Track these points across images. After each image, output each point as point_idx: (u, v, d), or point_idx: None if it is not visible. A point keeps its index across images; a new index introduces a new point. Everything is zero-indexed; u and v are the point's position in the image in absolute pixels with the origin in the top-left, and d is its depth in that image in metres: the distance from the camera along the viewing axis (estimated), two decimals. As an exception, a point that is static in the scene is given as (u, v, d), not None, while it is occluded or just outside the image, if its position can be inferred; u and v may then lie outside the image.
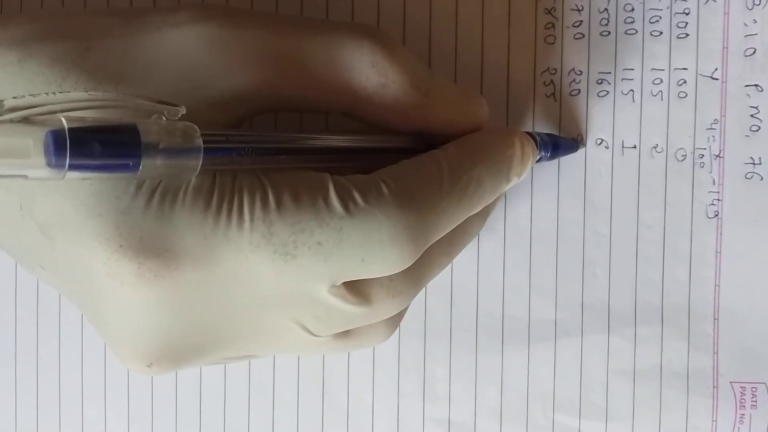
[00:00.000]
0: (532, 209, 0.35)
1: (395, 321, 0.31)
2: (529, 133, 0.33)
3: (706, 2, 0.34)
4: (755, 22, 0.34)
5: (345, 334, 0.30)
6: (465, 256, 0.36)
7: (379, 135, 0.30)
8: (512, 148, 0.31)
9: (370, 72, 0.29)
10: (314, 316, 0.28)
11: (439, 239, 0.29)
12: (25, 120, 0.21)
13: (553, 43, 0.35)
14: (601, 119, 0.35)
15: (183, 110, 0.24)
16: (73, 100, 0.23)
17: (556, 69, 0.35)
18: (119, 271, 0.25)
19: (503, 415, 0.36)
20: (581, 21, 0.35)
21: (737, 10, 0.34)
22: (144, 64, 0.26)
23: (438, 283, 0.36)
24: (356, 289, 0.28)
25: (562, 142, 0.34)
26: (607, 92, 0.35)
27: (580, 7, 0.35)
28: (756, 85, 0.35)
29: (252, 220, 0.26)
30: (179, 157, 0.24)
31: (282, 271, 0.26)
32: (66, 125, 0.21)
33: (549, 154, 0.34)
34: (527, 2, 0.35)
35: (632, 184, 0.35)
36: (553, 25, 0.35)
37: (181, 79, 0.26)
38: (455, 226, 0.29)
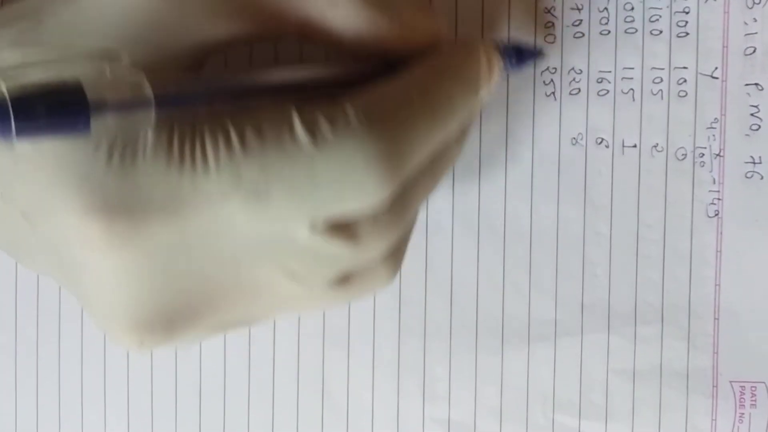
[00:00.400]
0: (532, 209, 0.35)
1: (394, 262, 0.29)
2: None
3: (706, 1, 0.34)
4: (755, 20, 0.34)
5: (342, 282, 0.28)
6: (465, 255, 0.36)
7: (341, 62, 0.29)
8: (477, 62, 0.29)
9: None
10: (301, 263, 0.26)
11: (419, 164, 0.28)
12: None
13: (553, 42, 0.35)
14: (601, 118, 0.35)
15: (126, 59, 0.24)
16: (10, 64, 0.22)
17: (555, 68, 0.35)
18: (89, 236, 0.24)
19: (503, 415, 0.36)
20: (581, 20, 0.35)
21: (737, 9, 0.34)
22: (96, 26, 0.25)
23: (438, 282, 0.36)
24: (339, 227, 0.26)
25: (524, 49, 0.33)
26: (607, 91, 0.35)
27: (580, 6, 0.34)
28: (756, 84, 0.35)
29: (218, 164, 0.24)
30: (130, 111, 0.23)
31: (258, 216, 0.25)
32: (5, 91, 0.21)
33: (514, 64, 0.33)
34: (527, 1, 0.34)
35: (632, 183, 0.35)
36: (553, 24, 0.35)
37: (136, 34, 0.25)
38: (433, 146, 0.28)
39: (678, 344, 0.36)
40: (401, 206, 0.28)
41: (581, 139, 0.35)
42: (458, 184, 0.36)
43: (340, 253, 0.27)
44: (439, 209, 0.36)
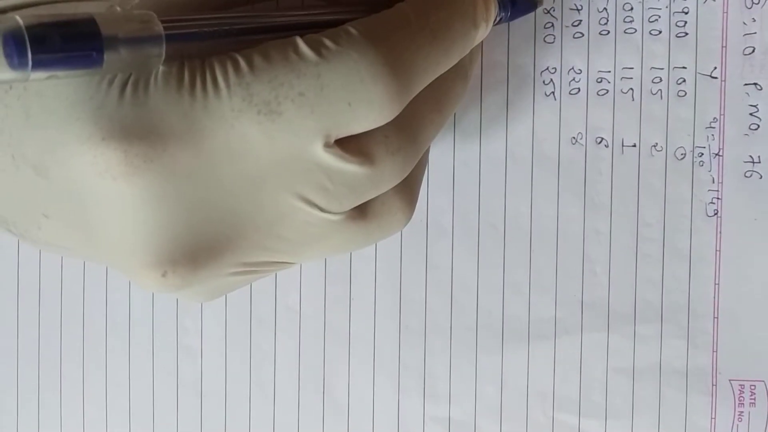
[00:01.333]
0: (532, 207, 0.36)
1: (409, 195, 0.30)
2: None
3: (705, 1, 0.34)
4: (754, 20, 0.34)
5: (360, 214, 0.29)
6: (465, 255, 0.36)
7: (343, 7, 0.30)
8: None
9: None
10: (318, 185, 0.27)
11: (425, 94, 0.28)
12: None
13: (553, 42, 0.35)
14: (600, 118, 0.35)
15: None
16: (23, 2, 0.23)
17: (555, 68, 0.35)
18: (107, 165, 0.24)
19: (503, 414, 0.36)
20: (580, 20, 0.35)
21: (736, 9, 0.34)
22: None
23: (438, 281, 0.36)
24: (352, 146, 0.27)
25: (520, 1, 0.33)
26: (607, 91, 0.35)
27: (579, 7, 0.35)
28: (755, 84, 0.35)
29: (228, 85, 0.25)
30: (142, 46, 0.24)
31: (271, 133, 0.25)
32: (22, 23, 0.21)
33: (508, 14, 0.33)
34: (527, 1, 0.35)
35: (632, 182, 0.35)
36: (553, 25, 0.35)
37: None
38: (435, 71, 0.28)
39: (677, 343, 0.36)
40: (411, 130, 0.28)
41: (581, 138, 0.35)
42: (458, 184, 0.36)
43: (354, 173, 0.27)
44: (439, 209, 0.36)
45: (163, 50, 0.24)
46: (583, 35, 0.35)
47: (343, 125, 0.26)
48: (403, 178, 0.29)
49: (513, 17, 0.33)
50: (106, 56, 0.23)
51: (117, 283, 0.36)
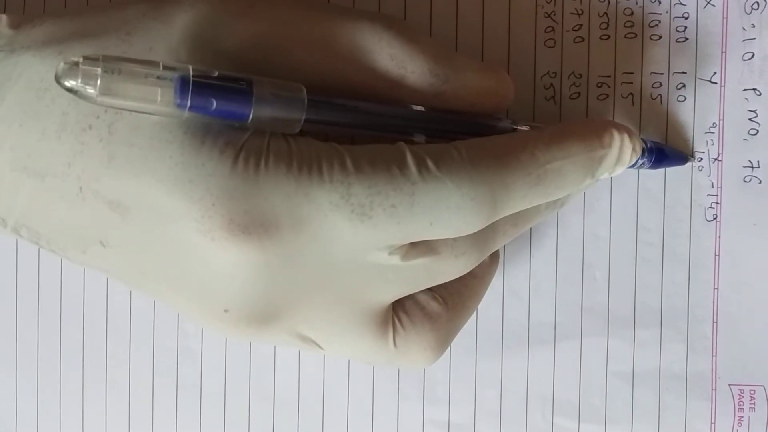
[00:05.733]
0: (531, 212, 0.36)
1: (444, 337, 0.32)
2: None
3: (705, 7, 0.35)
4: (753, 26, 0.35)
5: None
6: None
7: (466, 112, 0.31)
8: (606, 149, 0.30)
9: (389, 64, 0.30)
10: (380, 277, 0.29)
11: None
12: (166, 67, 0.26)
13: (553, 47, 0.35)
14: (600, 123, 0.35)
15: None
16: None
17: (556, 72, 0.35)
18: (211, 226, 0.27)
19: (503, 418, 0.36)
20: (581, 25, 0.35)
21: (735, 15, 0.35)
22: (177, 53, 0.28)
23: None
24: (422, 243, 0.29)
25: (669, 152, 0.34)
26: (607, 95, 0.35)
27: (580, 11, 0.35)
28: (754, 89, 0.35)
29: (332, 180, 0.27)
30: (285, 109, 0.27)
31: (358, 231, 0.28)
32: (191, 73, 0.26)
33: (651, 163, 0.33)
34: (527, 6, 0.35)
35: (631, 187, 0.35)
36: (553, 29, 0.35)
37: (215, 61, 0.28)
38: (527, 207, 0.30)
39: (677, 347, 0.36)
40: (482, 240, 0.30)
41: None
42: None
43: (415, 266, 0.29)
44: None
45: (302, 120, 0.27)
46: (583, 40, 0.35)
47: (420, 237, 0.29)
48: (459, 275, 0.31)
49: (656, 167, 0.34)
50: (252, 113, 0.26)
51: (117, 285, 0.36)
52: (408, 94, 0.30)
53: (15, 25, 0.28)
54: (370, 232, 0.28)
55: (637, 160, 0.32)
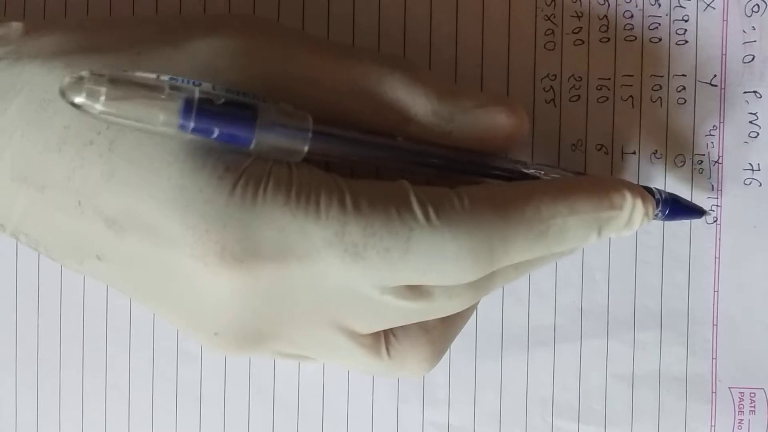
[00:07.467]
0: (531, 214, 0.36)
1: (439, 347, 0.32)
2: (648, 188, 0.32)
3: (705, 9, 0.35)
4: (754, 29, 0.35)
5: (387, 351, 0.31)
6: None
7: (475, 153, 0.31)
8: (616, 210, 0.30)
9: (394, 107, 0.30)
10: (370, 313, 0.29)
11: None
12: (172, 87, 0.26)
13: (553, 50, 0.35)
14: (600, 125, 0.35)
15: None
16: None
17: (555, 75, 0.35)
18: (204, 252, 0.27)
19: (502, 420, 0.36)
20: (581, 27, 0.35)
21: (736, 17, 0.35)
22: (192, 70, 0.28)
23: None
24: (415, 287, 0.29)
25: (684, 204, 0.33)
26: (607, 98, 0.35)
27: (580, 14, 0.35)
28: (755, 92, 0.35)
29: (327, 217, 0.27)
30: (289, 139, 0.27)
31: (349, 270, 0.27)
32: (197, 96, 0.26)
33: (664, 215, 0.33)
34: (527, 9, 0.35)
35: (631, 189, 0.35)
36: (553, 32, 0.35)
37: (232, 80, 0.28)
38: (527, 259, 0.29)
39: (677, 350, 0.36)
40: (479, 285, 0.30)
41: (581, 145, 0.35)
42: (459, 189, 0.36)
43: (407, 308, 0.29)
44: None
45: (305, 149, 0.27)
46: (583, 42, 0.35)
47: (413, 281, 0.28)
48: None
49: (670, 219, 0.33)
50: (256, 139, 0.26)
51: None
52: (414, 135, 0.30)
53: (25, 32, 0.28)
54: (362, 272, 0.27)
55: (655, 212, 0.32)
